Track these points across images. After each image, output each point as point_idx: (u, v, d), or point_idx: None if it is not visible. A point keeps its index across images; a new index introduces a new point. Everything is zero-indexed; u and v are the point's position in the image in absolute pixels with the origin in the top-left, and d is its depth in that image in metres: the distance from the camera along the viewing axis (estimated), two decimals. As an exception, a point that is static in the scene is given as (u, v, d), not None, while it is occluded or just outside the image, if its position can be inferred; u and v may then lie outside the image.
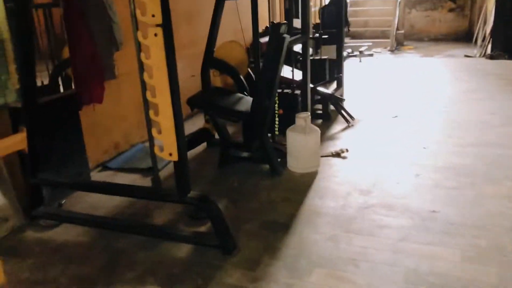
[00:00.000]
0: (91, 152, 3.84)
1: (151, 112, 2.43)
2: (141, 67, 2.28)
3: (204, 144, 4.42)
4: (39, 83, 3.65)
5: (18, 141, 2.90)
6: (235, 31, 4.97)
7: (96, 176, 3.91)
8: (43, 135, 3.15)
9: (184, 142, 2.47)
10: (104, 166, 4.09)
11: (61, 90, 3.68)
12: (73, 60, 3.54)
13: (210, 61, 4.15)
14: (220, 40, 4.23)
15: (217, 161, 3.95)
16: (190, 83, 4.76)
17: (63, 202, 3.36)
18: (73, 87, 3.59)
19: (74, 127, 3.60)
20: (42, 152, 3.15)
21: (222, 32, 4.22)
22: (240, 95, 3.90)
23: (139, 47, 2.29)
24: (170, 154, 2.45)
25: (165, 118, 2.38)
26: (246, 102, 3.69)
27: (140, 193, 2.75)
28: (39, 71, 3.61)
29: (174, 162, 2.48)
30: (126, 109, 4.38)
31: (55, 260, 2.65)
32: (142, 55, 2.33)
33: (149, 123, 2.34)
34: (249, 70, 4.37)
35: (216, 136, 4.16)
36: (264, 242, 2.72)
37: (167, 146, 2.45)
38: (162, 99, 2.35)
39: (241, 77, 4.15)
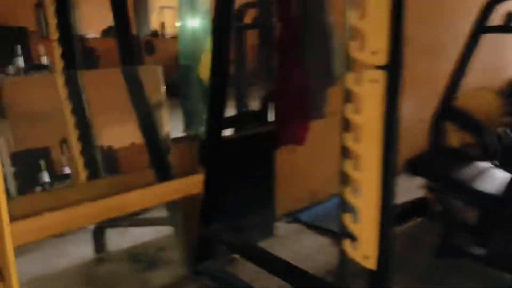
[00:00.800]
0: (281, 198, 3.29)
1: (347, 190, 1.65)
2: (346, 124, 1.54)
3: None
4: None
5: (195, 183, 2.48)
6: (484, 70, 3.86)
7: (282, 228, 3.32)
8: (227, 177, 2.70)
9: (391, 246, 1.61)
10: (294, 218, 3.49)
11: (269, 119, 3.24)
12: (278, 92, 3.05)
13: (448, 110, 3.13)
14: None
15: (435, 246, 2.90)
16: (416, 131, 3.80)
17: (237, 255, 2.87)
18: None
19: (266, 169, 3.10)
20: (223, 196, 2.70)
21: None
22: (485, 165, 2.77)
23: (347, 95, 1.55)
24: (366, 258, 1.63)
25: (366, 203, 1.58)
26: (495, 178, 2.57)
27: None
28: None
29: (370, 271, 1.64)
30: (330, 153, 3.67)
31: None
32: (349, 107, 1.57)
33: (343, 205, 1.59)
34: (498, 129, 3.16)
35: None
36: None
37: (363, 245, 1.63)
38: (367, 176, 1.55)
39: (489, 138, 3.00)
